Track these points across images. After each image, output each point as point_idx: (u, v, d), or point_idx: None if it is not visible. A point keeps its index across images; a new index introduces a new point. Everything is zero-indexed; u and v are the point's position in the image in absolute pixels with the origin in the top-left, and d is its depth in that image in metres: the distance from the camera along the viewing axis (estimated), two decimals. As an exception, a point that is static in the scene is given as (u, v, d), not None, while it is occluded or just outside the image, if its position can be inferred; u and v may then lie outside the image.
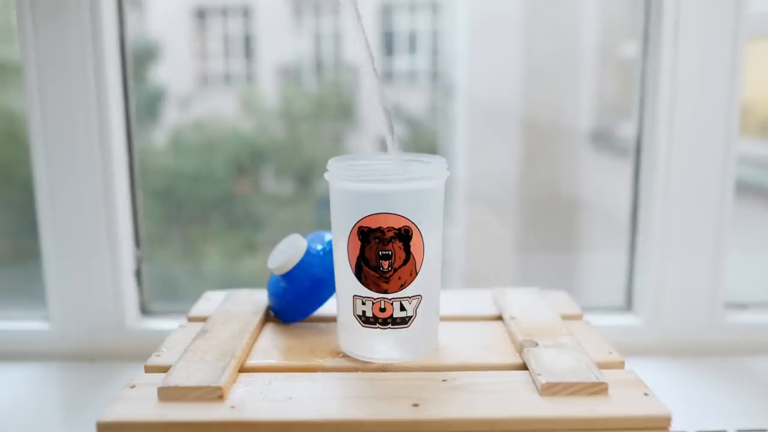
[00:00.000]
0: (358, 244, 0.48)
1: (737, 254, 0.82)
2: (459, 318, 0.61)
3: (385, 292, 0.49)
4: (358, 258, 0.48)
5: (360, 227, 0.48)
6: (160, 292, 0.91)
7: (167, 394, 0.45)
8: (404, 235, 0.48)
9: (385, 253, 0.48)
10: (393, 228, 0.47)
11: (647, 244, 0.80)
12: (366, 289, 0.49)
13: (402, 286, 0.49)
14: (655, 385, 0.48)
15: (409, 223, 0.48)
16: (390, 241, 0.47)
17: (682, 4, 0.74)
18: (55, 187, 0.77)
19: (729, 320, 0.81)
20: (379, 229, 0.47)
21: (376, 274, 0.48)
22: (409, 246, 0.48)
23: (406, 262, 0.48)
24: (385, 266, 0.48)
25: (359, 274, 0.49)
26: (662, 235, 0.79)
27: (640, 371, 0.49)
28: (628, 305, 0.84)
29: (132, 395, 0.46)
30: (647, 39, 0.78)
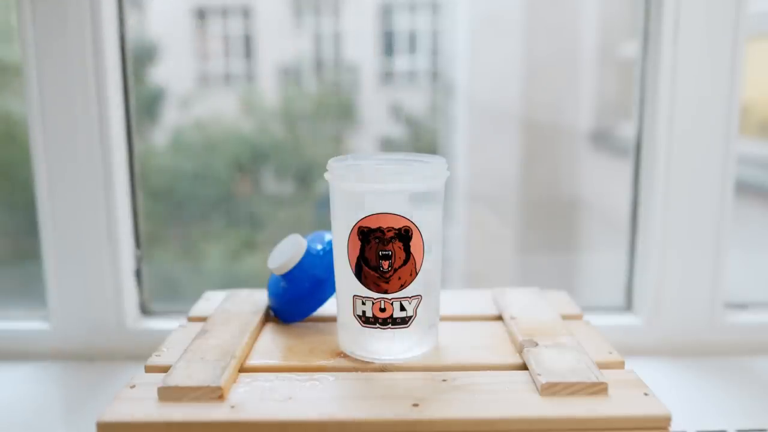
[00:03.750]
0: (358, 244, 0.48)
1: (736, 254, 0.82)
2: (459, 318, 0.61)
3: (385, 292, 0.49)
4: (358, 258, 0.48)
5: (360, 227, 0.48)
6: (161, 292, 0.91)
7: (167, 394, 0.45)
8: (404, 235, 0.48)
9: (385, 253, 0.48)
10: (393, 228, 0.47)
11: (647, 243, 0.80)
12: (366, 289, 0.49)
13: (402, 286, 0.49)
14: (655, 385, 0.48)
15: (409, 223, 0.48)
16: (390, 241, 0.47)
17: (682, 3, 0.74)
18: (55, 187, 0.77)
19: (729, 320, 0.81)
20: (379, 229, 0.47)
21: (376, 274, 0.48)
22: (409, 246, 0.48)
23: (406, 262, 0.48)
24: (385, 266, 0.48)
25: (359, 274, 0.49)
26: (662, 234, 0.79)
27: (640, 371, 0.49)
28: (628, 305, 0.84)
29: (132, 395, 0.46)
30: (647, 39, 0.78)
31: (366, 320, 0.50)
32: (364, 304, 0.49)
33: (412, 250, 0.48)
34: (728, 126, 0.76)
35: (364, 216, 0.48)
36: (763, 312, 0.83)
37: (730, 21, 0.74)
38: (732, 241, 0.79)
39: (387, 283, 0.48)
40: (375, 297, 0.49)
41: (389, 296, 0.49)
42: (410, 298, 0.49)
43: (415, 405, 0.44)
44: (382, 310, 0.49)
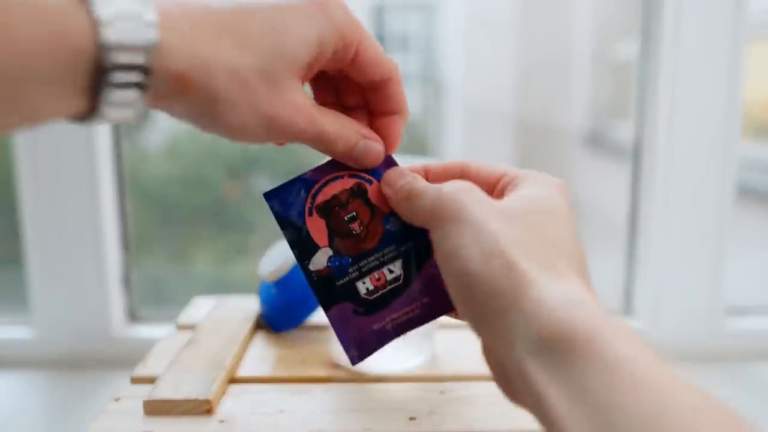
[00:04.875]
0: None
1: (732, 257, 0.81)
2: (456, 325, 0.59)
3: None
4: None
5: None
6: (150, 296, 0.89)
7: (154, 408, 0.43)
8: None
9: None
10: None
11: (647, 248, 0.79)
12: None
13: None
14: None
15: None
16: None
17: (682, 4, 0.73)
18: (40, 190, 0.75)
19: (728, 325, 0.79)
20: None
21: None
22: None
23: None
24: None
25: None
26: (662, 239, 0.77)
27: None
28: (627, 310, 0.83)
29: (117, 409, 0.44)
30: (647, 40, 0.77)
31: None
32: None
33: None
34: (729, 129, 0.75)
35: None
36: (762, 317, 0.82)
37: (730, 22, 0.73)
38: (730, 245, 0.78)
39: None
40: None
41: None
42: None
43: (412, 419, 0.42)
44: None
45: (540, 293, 0.27)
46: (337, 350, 0.51)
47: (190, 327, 0.59)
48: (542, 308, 0.26)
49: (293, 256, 0.54)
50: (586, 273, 0.31)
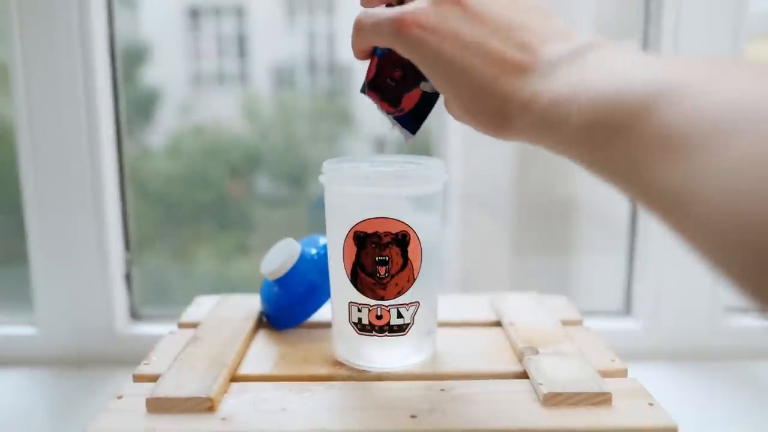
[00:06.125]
0: (354, 249, 0.47)
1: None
2: (457, 324, 0.59)
3: (382, 298, 0.47)
4: (353, 264, 0.47)
5: (356, 232, 0.46)
6: (152, 295, 0.89)
7: (156, 405, 0.44)
8: (401, 241, 0.46)
9: (381, 258, 0.46)
10: (390, 233, 0.46)
11: (647, 247, 0.79)
12: (362, 295, 0.47)
13: (399, 293, 0.47)
14: (655, 390, 0.47)
15: (406, 228, 0.46)
16: (387, 246, 0.46)
17: (682, 4, 0.73)
18: (43, 188, 0.75)
19: (728, 325, 0.80)
20: (376, 234, 0.46)
21: (373, 281, 0.47)
22: (406, 251, 0.46)
23: (403, 268, 0.47)
24: (382, 272, 0.46)
25: (355, 280, 0.47)
26: (662, 237, 0.77)
27: (639, 376, 0.48)
28: (627, 309, 0.83)
29: (119, 406, 0.44)
30: (647, 40, 0.77)
31: (362, 328, 0.48)
32: (360, 311, 0.48)
33: (410, 255, 0.47)
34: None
35: (359, 220, 0.46)
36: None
37: (730, 22, 0.73)
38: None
39: (384, 289, 0.47)
40: (371, 304, 0.47)
41: (386, 303, 0.47)
42: (408, 304, 0.48)
43: (413, 416, 0.42)
44: (379, 317, 0.48)
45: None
46: (338, 348, 0.51)
47: (192, 325, 0.59)
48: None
49: (294, 255, 0.56)
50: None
